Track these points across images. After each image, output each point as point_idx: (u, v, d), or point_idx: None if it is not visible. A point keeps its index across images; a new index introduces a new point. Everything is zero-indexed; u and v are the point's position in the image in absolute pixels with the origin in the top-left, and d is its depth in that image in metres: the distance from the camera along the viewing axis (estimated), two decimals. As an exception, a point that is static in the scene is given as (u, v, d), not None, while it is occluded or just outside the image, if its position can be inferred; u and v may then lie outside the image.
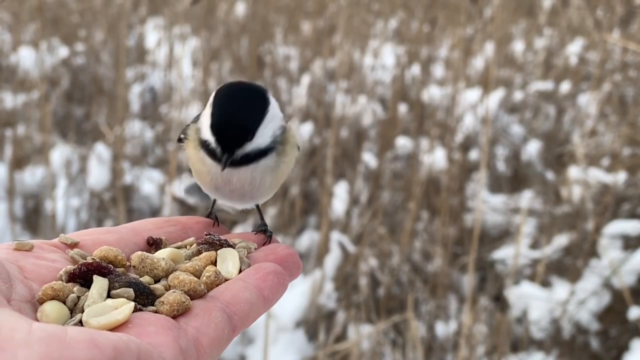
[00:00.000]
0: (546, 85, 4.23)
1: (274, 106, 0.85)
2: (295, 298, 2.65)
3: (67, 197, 3.07)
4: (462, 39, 3.95)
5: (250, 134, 0.81)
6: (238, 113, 0.82)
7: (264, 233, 0.83)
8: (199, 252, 0.73)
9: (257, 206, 0.93)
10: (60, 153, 3.27)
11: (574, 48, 4.38)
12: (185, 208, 2.94)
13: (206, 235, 0.74)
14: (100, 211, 3.26)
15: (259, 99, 0.83)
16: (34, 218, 3.22)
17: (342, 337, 2.62)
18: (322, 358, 2.36)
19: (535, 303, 2.58)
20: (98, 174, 3.21)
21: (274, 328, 2.55)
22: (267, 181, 0.86)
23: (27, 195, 3.28)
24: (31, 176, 3.29)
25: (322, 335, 2.61)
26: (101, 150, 3.24)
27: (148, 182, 3.32)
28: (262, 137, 0.82)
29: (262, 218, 0.89)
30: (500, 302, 2.82)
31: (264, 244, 0.81)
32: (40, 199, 3.19)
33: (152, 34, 4.77)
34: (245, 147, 0.81)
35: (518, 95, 4.22)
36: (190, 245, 0.76)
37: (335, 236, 2.86)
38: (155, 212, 3.28)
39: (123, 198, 2.93)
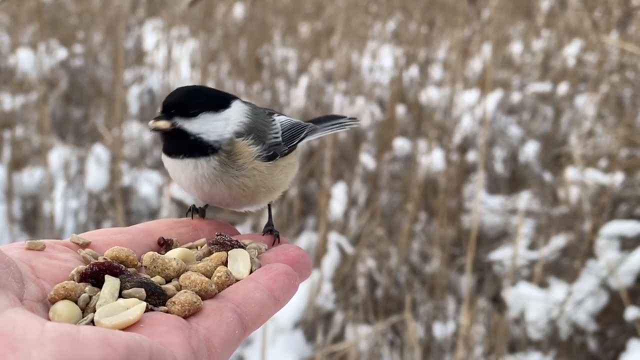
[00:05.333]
0: (544, 87, 4.24)
1: (236, 112, 0.84)
2: (293, 299, 2.64)
3: (65, 199, 3.07)
4: (460, 41, 3.96)
5: (193, 108, 0.81)
6: (192, 93, 0.83)
7: (271, 233, 0.83)
8: (209, 253, 0.74)
9: (269, 206, 0.93)
10: (59, 154, 3.26)
11: (572, 50, 4.40)
12: (183, 209, 2.93)
13: (217, 235, 0.74)
14: (99, 212, 3.25)
15: (219, 98, 0.84)
16: (32, 219, 3.22)
17: (340, 337, 2.63)
18: (320, 359, 2.36)
19: (533, 304, 2.59)
20: (96, 176, 3.20)
21: (272, 329, 2.55)
22: (224, 190, 0.84)
23: (25, 197, 3.28)
24: (30, 177, 3.28)
25: (320, 336, 2.61)
26: (100, 151, 3.24)
27: (146, 183, 3.32)
28: (206, 126, 0.82)
29: (269, 217, 0.89)
30: (498, 303, 2.82)
31: (272, 244, 0.81)
32: (39, 200, 3.18)
33: (151, 35, 4.76)
34: (186, 122, 0.82)
35: (516, 97, 4.23)
36: (202, 246, 0.77)
37: (334, 237, 2.86)
38: (153, 214, 3.27)
39: (121, 199, 2.92)
